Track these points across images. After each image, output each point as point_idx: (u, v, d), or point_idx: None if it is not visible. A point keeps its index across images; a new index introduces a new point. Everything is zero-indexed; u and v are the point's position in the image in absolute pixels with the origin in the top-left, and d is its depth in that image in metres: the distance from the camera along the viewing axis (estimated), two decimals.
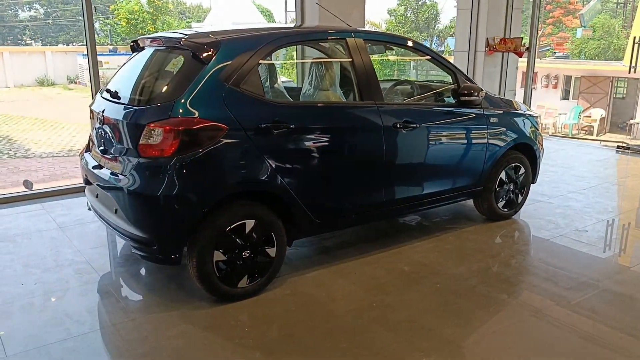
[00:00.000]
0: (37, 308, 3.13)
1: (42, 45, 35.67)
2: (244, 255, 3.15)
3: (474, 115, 4.15)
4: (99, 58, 5.42)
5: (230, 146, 3.01)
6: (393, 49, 4.44)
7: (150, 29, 32.20)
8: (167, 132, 2.90)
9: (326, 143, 3.38)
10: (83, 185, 3.94)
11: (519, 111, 4.60)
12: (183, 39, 3.25)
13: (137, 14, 32.93)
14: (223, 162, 3.01)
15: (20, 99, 23.83)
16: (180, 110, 2.93)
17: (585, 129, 21.68)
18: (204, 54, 3.07)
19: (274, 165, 3.15)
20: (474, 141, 4.16)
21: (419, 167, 3.91)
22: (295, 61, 6.60)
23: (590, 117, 21.71)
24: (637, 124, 20.38)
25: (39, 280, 3.46)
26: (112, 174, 3.24)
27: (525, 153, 4.61)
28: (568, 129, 20.79)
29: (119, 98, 3.35)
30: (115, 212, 3.20)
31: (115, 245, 4.07)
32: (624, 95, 22.22)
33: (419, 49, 4.08)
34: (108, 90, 3.46)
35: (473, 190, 4.33)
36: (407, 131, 3.71)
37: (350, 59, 3.58)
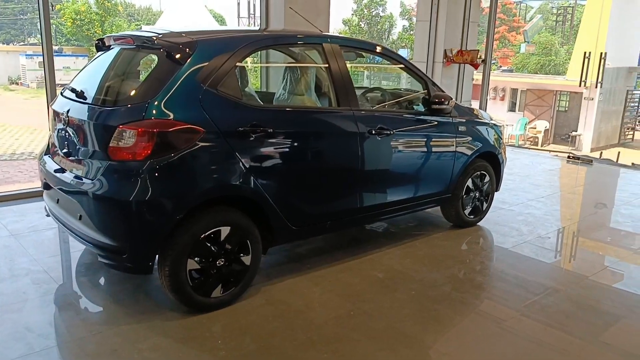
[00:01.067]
0: None
1: None
2: (219, 263, 3.04)
3: (444, 123, 4.21)
4: (42, 59, 5.15)
5: (206, 150, 2.91)
6: (364, 56, 4.44)
7: (98, 31, 31.23)
8: (141, 134, 2.77)
9: (303, 148, 3.34)
10: (35, 190, 3.74)
11: (484, 120, 4.70)
12: (156, 38, 3.13)
13: (84, 14, 31.88)
14: (199, 166, 2.90)
15: None
16: (154, 112, 2.80)
17: (531, 139, 22.60)
18: (179, 54, 2.96)
19: (251, 170, 3.07)
20: (444, 149, 4.22)
21: (393, 174, 3.92)
22: (261, 65, 6.50)
23: (535, 128, 22.66)
24: (579, 135, 21.44)
25: None
26: (76, 177, 3.06)
27: (490, 161, 4.71)
28: (515, 140, 21.60)
29: (85, 98, 3.17)
30: (80, 218, 3.02)
31: (74, 254, 3.85)
32: (566, 109, 23.35)
33: (393, 57, 4.10)
34: (73, 90, 3.28)
35: (442, 197, 4.38)
36: (381, 138, 3.70)
37: (327, 65, 3.55)
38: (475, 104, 9.58)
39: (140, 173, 2.77)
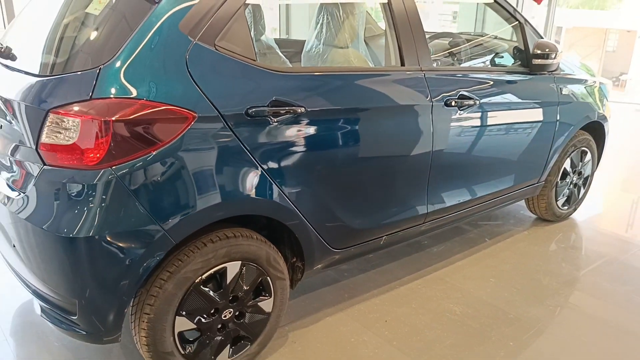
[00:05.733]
0: None
1: None
2: (224, 316, 1.98)
3: (544, 84, 2.99)
4: None
5: (200, 147, 1.77)
6: None
7: None
8: (87, 124, 1.64)
9: (352, 136, 2.16)
10: None
11: (587, 77, 3.43)
12: None
13: None
14: (190, 174, 1.77)
15: None
16: (112, 87, 1.66)
17: None
18: None
19: (273, 175, 1.95)
20: (543, 121, 3.01)
21: (476, 163, 2.74)
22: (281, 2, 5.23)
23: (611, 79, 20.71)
24: (630, 80, 19.54)
25: None
26: (7, 184, 1.97)
27: (593, 133, 3.49)
28: None
29: (13, 59, 2.03)
30: (14, 246, 1.96)
31: None
32: (615, 49, 21.24)
33: None
34: None
35: (534, 187, 3.20)
36: (463, 111, 2.51)
37: (386, 0, 2.32)
38: None
39: (90, 189, 1.66)
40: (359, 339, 2.33)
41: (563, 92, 3.07)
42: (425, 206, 2.56)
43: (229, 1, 1.86)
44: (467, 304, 2.61)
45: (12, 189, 1.89)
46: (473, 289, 2.73)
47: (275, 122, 1.91)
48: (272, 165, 1.94)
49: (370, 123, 2.20)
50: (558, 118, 3.06)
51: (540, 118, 2.97)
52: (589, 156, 3.50)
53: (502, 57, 3.15)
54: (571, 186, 3.49)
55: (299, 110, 1.96)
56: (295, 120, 1.96)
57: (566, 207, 3.54)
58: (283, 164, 1.97)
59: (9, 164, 1.95)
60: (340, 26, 2.52)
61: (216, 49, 1.82)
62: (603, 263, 3.09)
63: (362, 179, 2.26)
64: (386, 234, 2.47)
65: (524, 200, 3.55)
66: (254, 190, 1.91)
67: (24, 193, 1.80)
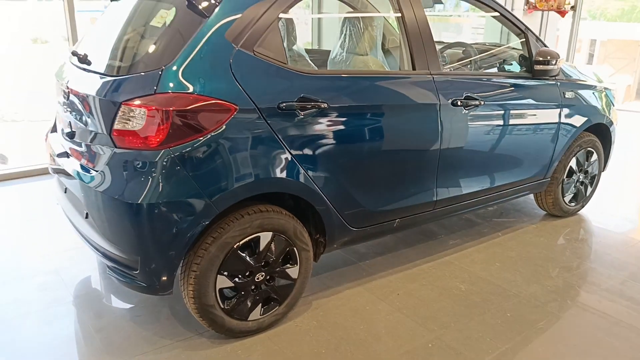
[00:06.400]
0: None
1: None
2: (257, 278, 2.35)
3: (547, 88, 3.29)
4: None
5: (240, 134, 2.17)
6: (443, 3, 3.52)
7: None
8: (152, 113, 2.05)
9: (367, 127, 2.53)
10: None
11: (592, 83, 3.71)
12: None
13: None
14: (231, 155, 2.16)
15: None
16: (170, 83, 2.07)
17: None
18: (204, 3, 2.20)
19: (299, 159, 2.32)
20: (546, 122, 3.30)
21: (481, 157, 3.06)
22: (313, 16, 5.64)
23: (614, 84, 20.53)
24: None
25: None
26: (81, 166, 2.40)
27: (599, 135, 3.75)
28: None
29: (89, 63, 2.48)
30: (86, 217, 2.39)
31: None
32: None
33: (485, 2, 3.13)
34: (75, 54, 2.58)
35: (539, 183, 3.49)
36: (469, 110, 2.84)
37: (400, 14, 2.68)
38: None
39: (152, 166, 2.07)
40: (374, 308, 2.66)
41: (566, 96, 3.36)
42: (435, 194, 2.89)
43: (265, 15, 2.26)
44: (472, 282, 2.91)
45: (87, 169, 2.32)
46: (479, 271, 3.04)
47: (302, 115, 2.29)
48: (299, 151, 2.31)
49: (384, 119, 2.57)
50: (561, 119, 3.35)
51: (543, 119, 3.27)
52: (595, 156, 3.75)
53: (511, 64, 3.46)
54: (578, 184, 3.75)
55: (323, 106, 2.33)
56: (319, 114, 2.34)
57: (573, 204, 3.80)
58: (308, 150, 2.34)
59: (84, 149, 2.39)
60: (361, 36, 2.89)
61: (255, 54, 2.21)
62: (603, 253, 3.34)
63: (377, 167, 2.62)
64: (399, 217, 2.82)
65: (534, 199, 3.83)
66: (283, 171, 2.29)
67: (98, 171, 2.23)
